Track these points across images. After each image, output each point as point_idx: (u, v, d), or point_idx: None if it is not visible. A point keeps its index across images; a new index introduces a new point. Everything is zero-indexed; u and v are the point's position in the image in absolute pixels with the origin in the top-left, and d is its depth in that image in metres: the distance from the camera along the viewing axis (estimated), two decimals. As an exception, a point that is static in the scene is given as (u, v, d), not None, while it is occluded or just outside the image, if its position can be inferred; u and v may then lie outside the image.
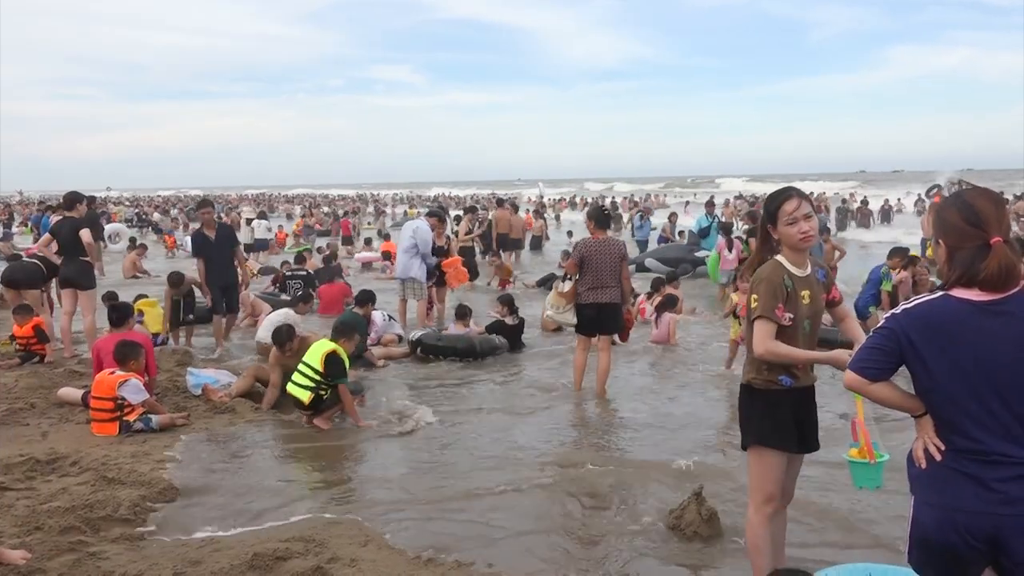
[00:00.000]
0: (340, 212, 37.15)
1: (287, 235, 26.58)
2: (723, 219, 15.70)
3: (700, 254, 15.85)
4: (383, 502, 4.95)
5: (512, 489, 5.12)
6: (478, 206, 27.18)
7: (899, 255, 9.29)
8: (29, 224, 28.89)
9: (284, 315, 9.75)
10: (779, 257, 3.35)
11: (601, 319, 7.29)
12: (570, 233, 24.87)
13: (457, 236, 15.58)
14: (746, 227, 14.65)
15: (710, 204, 18.34)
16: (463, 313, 9.84)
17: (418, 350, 9.00)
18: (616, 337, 7.75)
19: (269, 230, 22.47)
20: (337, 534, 4.37)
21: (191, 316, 9.70)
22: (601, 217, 7.54)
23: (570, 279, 7.36)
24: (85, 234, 8.75)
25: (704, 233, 16.44)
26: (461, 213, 19.84)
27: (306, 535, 4.32)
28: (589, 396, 7.41)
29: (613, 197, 51.27)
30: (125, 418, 6.19)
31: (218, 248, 9.39)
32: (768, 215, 3.37)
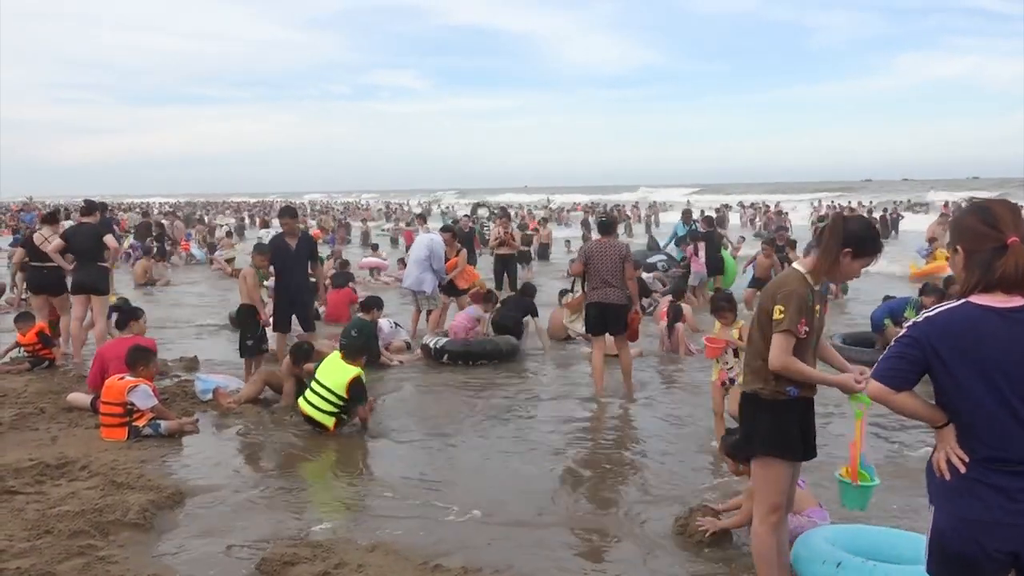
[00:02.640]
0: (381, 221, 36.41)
1: None
2: (700, 228, 15.62)
3: (653, 259, 15.89)
4: (390, 507, 4.97)
5: (518, 494, 5.14)
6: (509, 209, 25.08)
7: (935, 295, 9.15)
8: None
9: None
10: (799, 267, 3.39)
11: (605, 319, 7.49)
12: (567, 242, 25.11)
13: (488, 244, 14.56)
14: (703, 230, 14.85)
15: (687, 213, 17.87)
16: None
17: (444, 357, 9.02)
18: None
19: None
20: (344, 539, 4.39)
21: (264, 346, 8.32)
22: (602, 224, 7.99)
23: (572, 291, 7.53)
24: (110, 239, 8.79)
25: (681, 241, 16.45)
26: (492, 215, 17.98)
27: (313, 540, 4.35)
28: (596, 400, 7.44)
29: (617, 205, 51.11)
30: (134, 423, 6.23)
31: (296, 259, 8.35)
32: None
